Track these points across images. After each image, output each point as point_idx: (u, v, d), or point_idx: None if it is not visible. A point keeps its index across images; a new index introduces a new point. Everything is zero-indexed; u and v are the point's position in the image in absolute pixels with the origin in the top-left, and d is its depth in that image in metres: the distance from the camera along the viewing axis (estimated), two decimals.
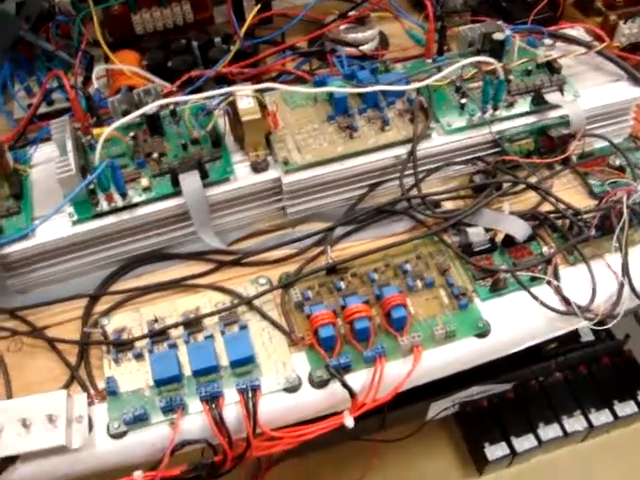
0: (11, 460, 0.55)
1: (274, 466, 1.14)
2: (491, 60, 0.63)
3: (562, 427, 1.03)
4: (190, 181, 0.61)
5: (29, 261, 0.63)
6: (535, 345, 0.99)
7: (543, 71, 0.68)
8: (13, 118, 0.75)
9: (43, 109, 0.76)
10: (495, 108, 0.65)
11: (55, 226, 0.62)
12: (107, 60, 0.76)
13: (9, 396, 0.59)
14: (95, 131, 0.65)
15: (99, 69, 0.70)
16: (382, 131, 0.65)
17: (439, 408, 1.06)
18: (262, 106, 0.62)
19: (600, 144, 0.69)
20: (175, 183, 0.62)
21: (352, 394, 0.57)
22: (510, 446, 1.02)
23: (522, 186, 0.67)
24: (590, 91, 0.68)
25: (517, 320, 0.60)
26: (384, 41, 0.81)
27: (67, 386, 0.59)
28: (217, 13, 0.83)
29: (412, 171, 0.64)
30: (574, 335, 1.11)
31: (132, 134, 0.65)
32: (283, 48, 0.75)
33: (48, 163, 0.67)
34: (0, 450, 0.54)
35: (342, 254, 0.64)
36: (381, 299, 0.59)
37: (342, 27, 0.78)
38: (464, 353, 0.60)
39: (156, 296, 0.64)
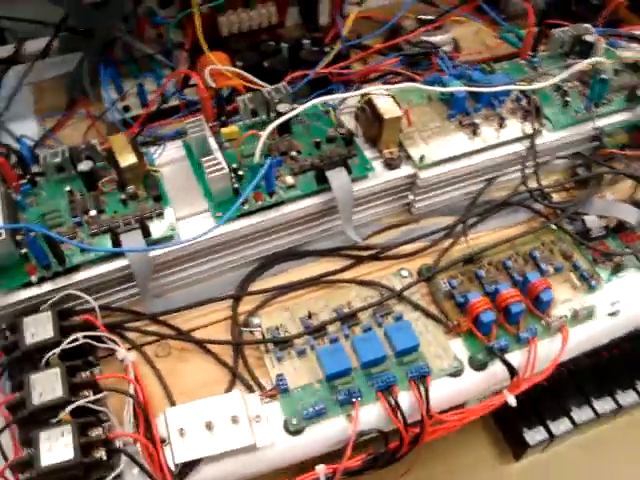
0: (195, 463, 0.54)
1: None
2: (608, 60, 0.68)
3: (593, 409, 1.10)
4: (338, 177, 0.62)
5: (171, 264, 0.62)
6: None
7: (627, 71, 0.74)
8: (117, 119, 0.73)
9: (138, 111, 0.74)
10: (597, 105, 0.71)
11: (200, 227, 0.61)
12: (194, 62, 0.75)
13: (172, 402, 0.58)
14: (224, 130, 0.65)
15: (210, 69, 0.69)
16: (500, 128, 0.69)
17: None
18: (397, 104, 0.65)
19: None
20: (321, 180, 0.63)
21: (513, 372, 0.60)
22: (548, 430, 1.08)
23: (616, 176, 0.73)
24: None
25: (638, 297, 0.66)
26: (456, 44, 0.84)
27: (230, 388, 0.59)
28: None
29: (530, 165, 0.68)
30: None
31: (261, 133, 0.65)
32: (378, 50, 0.77)
33: (175, 163, 0.66)
34: (192, 453, 0.53)
35: (472, 245, 0.67)
36: (527, 284, 0.62)
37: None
38: (599, 331, 0.64)
39: (299, 293, 0.65)
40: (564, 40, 0.74)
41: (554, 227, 0.68)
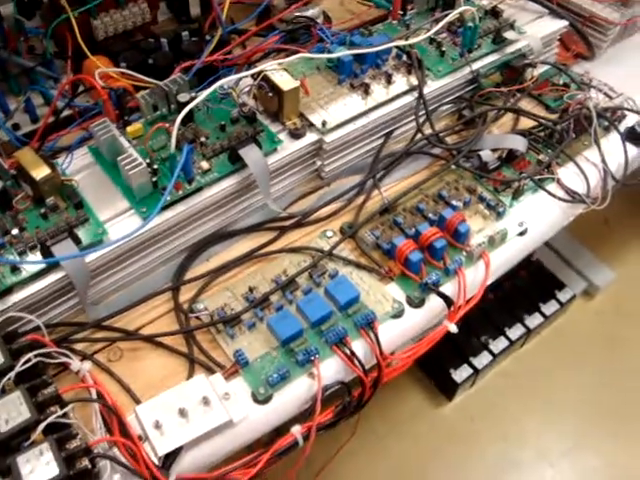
0: (176, 452, 0.55)
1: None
2: (472, 8, 0.74)
3: (507, 337, 1.19)
4: (252, 153, 0.64)
5: (104, 268, 0.62)
6: None
7: (488, 17, 0.81)
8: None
9: (29, 127, 0.72)
10: (470, 51, 0.77)
11: (127, 225, 0.61)
12: (76, 69, 0.74)
13: (137, 402, 0.58)
14: (129, 129, 0.65)
15: (99, 72, 0.69)
16: (389, 84, 0.73)
17: None
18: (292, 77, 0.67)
19: (540, 71, 0.84)
20: (234, 159, 0.65)
21: (449, 302, 0.65)
22: (471, 366, 1.16)
23: (498, 112, 0.79)
24: (527, 27, 0.82)
25: (539, 216, 0.72)
26: (326, 16, 0.88)
27: (190, 375, 0.60)
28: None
29: (421, 114, 0.73)
30: None
31: (167, 124, 0.66)
32: (256, 32, 0.79)
33: (85, 170, 0.65)
34: (174, 441, 0.54)
35: (382, 198, 0.71)
36: (444, 221, 0.67)
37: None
38: (513, 251, 0.70)
39: (234, 273, 0.66)
40: None
41: (454, 167, 0.74)
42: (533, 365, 1.22)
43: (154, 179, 0.62)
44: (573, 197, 0.73)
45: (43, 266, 0.58)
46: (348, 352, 0.60)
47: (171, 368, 0.60)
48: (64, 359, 0.57)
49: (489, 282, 0.68)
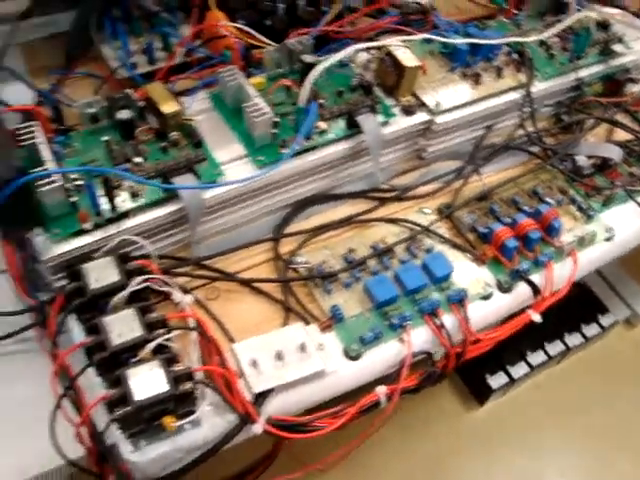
0: (267, 392, 0.56)
1: None
2: (592, 15, 0.76)
3: (545, 352, 1.20)
4: (369, 121, 0.66)
5: (215, 208, 0.63)
6: None
7: (597, 29, 0.83)
8: (135, 74, 0.73)
9: (145, 68, 0.74)
10: (578, 58, 0.79)
11: (242, 171, 0.63)
12: (200, 20, 0.76)
13: (231, 340, 0.59)
14: (251, 81, 0.67)
15: (223, 24, 0.71)
16: (499, 78, 0.75)
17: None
18: None
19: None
20: (351, 125, 0.66)
21: (537, 290, 0.66)
22: (508, 374, 1.17)
23: (594, 121, 0.81)
24: (634, 44, 0.84)
25: (628, 226, 0.74)
26: (433, 7, 0.90)
27: (285, 322, 0.61)
28: None
29: (526, 111, 0.75)
30: None
31: (288, 83, 0.68)
32: (368, 11, 0.81)
33: (203, 113, 0.67)
34: (269, 381, 0.55)
35: (478, 186, 0.73)
36: (539, 214, 0.69)
37: None
38: (599, 255, 0.72)
39: (333, 234, 0.68)
40: (542, 1, 0.82)
41: (549, 167, 0.76)
42: (567, 383, 1.23)
43: (274, 131, 0.64)
44: None
45: (161, 195, 0.60)
46: (438, 323, 0.62)
47: (266, 314, 0.62)
48: (168, 289, 0.59)
49: (576, 279, 0.70)
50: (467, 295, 0.64)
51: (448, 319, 0.63)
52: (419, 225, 0.68)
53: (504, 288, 0.66)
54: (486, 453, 1.16)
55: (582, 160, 0.75)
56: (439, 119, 0.71)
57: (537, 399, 1.21)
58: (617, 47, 0.81)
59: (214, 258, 0.64)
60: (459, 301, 0.63)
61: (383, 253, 0.66)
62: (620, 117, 0.83)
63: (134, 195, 0.59)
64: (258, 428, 0.54)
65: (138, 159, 0.61)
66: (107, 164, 0.61)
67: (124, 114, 0.62)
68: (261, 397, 0.56)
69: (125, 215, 0.59)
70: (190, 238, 0.63)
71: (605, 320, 1.26)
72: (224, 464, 0.75)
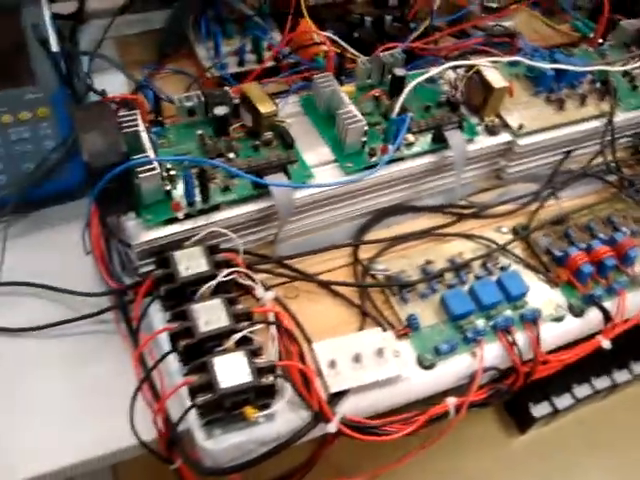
0: (343, 393, 0.57)
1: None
2: None
3: (591, 385, 1.19)
4: (456, 137, 0.67)
5: (304, 209, 0.65)
6: None
7: None
8: (227, 73, 0.75)
9: (234, 69, 0.76)
10: None
11: (330, 175, 0.65)
12: (292, 27, 0.78)
13: (308, 340, 0.60)
14: (343, 88, 0.69)
15: (315, 32, 0.73)
16: (582, 105, 0.76)
17: None
18: None
19: None
20: (438, 139, 0.68)
21: (608, 317, 0.67)
22: (552, 404, 1.17)
23: None
24: None
25: None
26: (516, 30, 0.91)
27: (361, 327, 0.62)
28: None
29: (607, 139, 0.76)
30: None
31: (377, 94, 0.69)
32: (458, 30, 0.83)
33: (293, 117, 0.69)
34: (346, 382, 0.56)
35: (554, 209, 0.74)
36: (615, 242, 0.69)
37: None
38: None
39: (410, 245, 0.69)
40: (630, 32, 0.82)
41: (625, 197, 0.76)
42: (610, 420, 1.23)
43: (364, 139, 0.65)
44: None
45: (251, 192, 0.62)
46: (511, 340, 0.62)
47: (343, 317, 0.63)
48: (251, 283, 0.60)
49: None
50: (541, 315, 0.64)
51: (520, 337, 0.63)
52: (496, 243, 0.69)
53: (576, 312, 0.66)
54: None
55: None
56: (521, 141, 0.72)
57: (580, 433, 1.20)
58: None
59: (295, 258, 0.65)
60: (532, 320, 0.64)
61: (460, 267, 0.66)
62: None
63: (225, 189, 0.61)
64: (332, 427, 0.55)
65: (231, 154, 0.62)
66: (200, 157, 0.63)
67: (221, 110, 0.63)
68: (336, 397, 0.57)
69: (216, 208, 0.61)
70: (276, 236, 0.64)
71: None
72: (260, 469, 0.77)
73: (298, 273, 0.64)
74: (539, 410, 1.16)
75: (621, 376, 1.21)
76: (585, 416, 1.22)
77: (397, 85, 0.69)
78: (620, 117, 0.78)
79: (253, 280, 0.60)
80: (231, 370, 0.52)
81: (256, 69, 0.75)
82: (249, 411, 0.52)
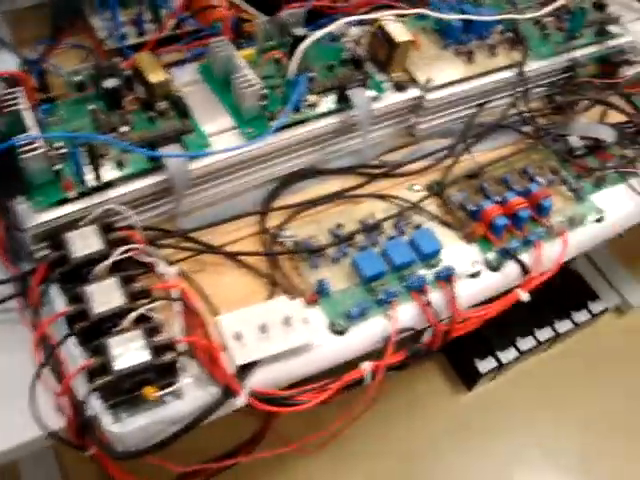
0: (251, 365, 0.56)
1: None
2: None
3: (535, 337, 1.20)
4: (360, 96, 0.66)
5: (202, 180, 0.63)
6: None
7: (593, 9, 0.82)
8: (123, 45, 0.72)
9: (135, 40, 0.73)
10: (573, 38, 0.78)
11: (230, 143, 0.62)
12: None
13: (215, 313, 0.58)
14: (242, 52, 0.66)
15: None
16: (492, 56, 0.74)
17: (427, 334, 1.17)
18: None
19: (636, 71, 0.84)
20: (342, 99, 0.66)
21: (526, 270, 0.66)
22: (496, 359, 1.17)
23: (588, 103, 0.80)
24: (630, 25, 0.83)
25: (617, 208, 0.73)
26: None
27: (270, 296, 0.61)
28: None
29: (519, 90, 0.75)
30: None
31: (277, 56, 0.67)
32: None
33: (192, 85, 0.67)
34: (253, 354, 0.55)
35: (469, 164, 0.73)
36: (529, 193, 0.68)
37: None
38: (589, 235, 0.72)
39: (321, 209, 0.67)
40: None
41: (541, 147, 0.75)
42: (556, 369, 1.24)
43: (263, 103, 0.63)
44: None
45: (146, 165, 0.59)
46: (425, 300, 0.61)
47: (251, 287, 0.61)
48: (152, 260, 0.58)
49: (565, 260, 0.70)
50: (455, 272, 0.63)
51: (436, 296, 0.62)
52: (408, 201, 0.68)
53: (493, 266, 0.66)
54: (473, 437, 1.16)
55: (574, 141, 0.75)
56: (430, 96, 0.70)
57: (526, 384, 1.21)
58: (613, 28, 0.80)
59: (201, 231, 0.63)
60: (447, 278, 0.63)
61: (371, 229, 0.65)
62: (615, 100, 0.83)
63: (119, 164, 0.59)
64: (241, 401, 0.54)
65: (124, 128, 0.60)
66: (93, 133, 0.60)
67: (110, 82, 0.61)
68: (245, 370, 0.55)
69: (110, 185, 0.59)
70: (176, 210, 0.62)
71: (595, 307, 1.26)
72: (211, 442, 0.76)
73: (203, 246, 0.63)
74: (484, 365, 1.17)
75: (562, 326, 1.22)
76: (530, 368, 1.23)
77: (298, 46, 0.67)
78: (532, 66, 0.76)
79: (154, 256, 0.58)
80: (127, 350, 0.51)
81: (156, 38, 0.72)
82: (148, 391, 0.50)
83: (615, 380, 1.24)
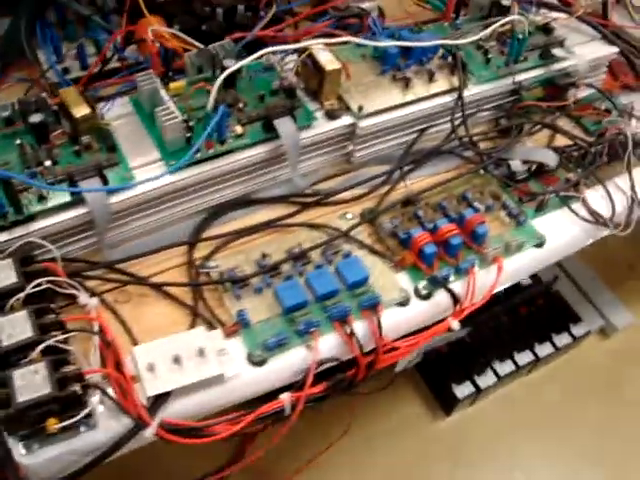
0: (165, 396, 0.56)
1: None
2: (524, 20, 0.75)
3: (514, 361, 1.18)
4: (286, 125, 0.66)
5: (126, 212, 0.64)
6: None
7: (539, 33, 0.82)
8: (64, 80, 0.73)
9: (78, 73, 0.75)
10: (516, 62, 0.78)
11: (153, 175, 0.63)
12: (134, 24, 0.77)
13: (135, 344, 0.59)
14: (171, 85, 0.67)
15: (152, 29, 0.71)
16: (430, 82, 0.74)
17: (406, 359, 1.16)
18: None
19: (584, 94, 0.84)
20: (269, 129, 0.66)
21: (456, 299, 0.65)
22: (474, 384, 1.15)
23: (536, 127, 0.80)
24: (576, 48, 0.83)
25: (560, 233, 0.72)
26: (381, 11, 0.90)
27: (192, 326, 0.61)
28: None
29: (458, 115, 0.74)
30: None
31: (208, 87, 0.68)
32: (309, 14, 0.81)
33: (123, 118, 0.68)
34: (163, 385, 0.55)
35: (407, 190, 0.72)
36: (464, 220, 0.68)
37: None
38: (528, 262, 0.71)
39: (250, 239, 0.68)
40: (483, 4, 0.81)
41: (482, 172, 0.74)
42: (537, 394, 1.21)
43: (188, 135, 0.64)
44: (596, 219, 0.73)
45: (68, 199, 0.60)
46: (348, 331, 0.61)
47: (174, 318, 0.62)
48: (73, 291, 0.59)
49: (500, 288, 0.69)
50: (381, 301, 0.63)
51: (360, 326, 0.62)
52: (338, 230, 0.68)
53: (422, 295, 0.65)
54: (451, 464, 1.14)
55: (516, 165, 0.74)
56: (362, 123, 0.70)
57: (506, 410, 1.19)
58: (558, 51, 0.79)
59: (128, 262, 0.64)
60: (371, 307, 0.62)
61: (297, 258, 0.65)
62: (565, 124, 0.82)
63: (41, 198, 0.60)
64: (150, 432, 0.54)
65: (48, 162, 0.61)
66: (19, 167, 0.62)
67: (36, 117, 0.62)
68: (158, 401, 0.55)
69: (32, 218, 0.60)
70: (100, 242, 0.63)
71: (577, 330, 1.24)
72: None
73: (129, 276, 0.63)
74: (462, 390, 1.15)
75: (543, 350, 1.20)
76: (510, 393, 1.21)
77: (228, 77, 0.68)
78: (473, 91, 0.76)
79: (75, 288, 0.59)
80: (31, 382, 0.51)
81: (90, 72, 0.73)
82: (50, 422, 0.51)
83: (599, 404, 1.21)
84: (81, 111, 0.62)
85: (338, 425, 1.13)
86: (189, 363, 0.57)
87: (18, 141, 0.62)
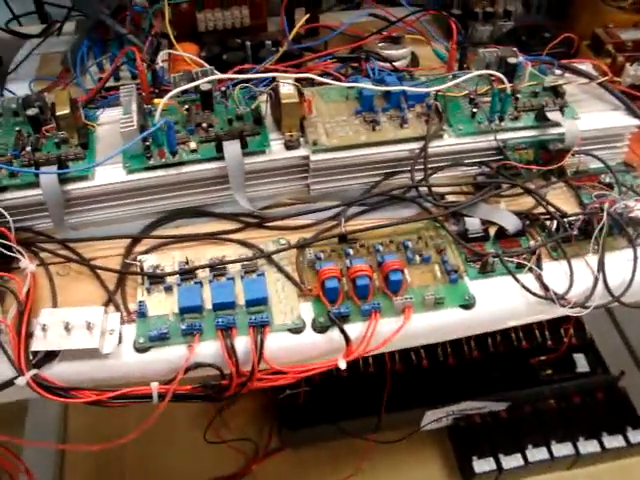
0: (52, 356, 0.64)
1: (270, 455, 1.22)
2: (500, 75, 0.73)
3: (549, 451, 1.08)
4: (232, 148, 0.71)
5: (85, 201, 0.73)
6: (532, 369, 1.06)
7: (548, 94, 0.78)
8: (86, 88, 0.86)
9: (111, 83, 0.87)
10: (501, 119, 0.75)
11: (112, 173, 0.72)
12: (171, 49, 0.87)
13: (54, 307, 0.68)
14: (156, 100, 0.76)
15: (164, 53, 0.82)
16: (401, 127, 0.75)
17: (433, 417, 1.12)
18: (300, 93, 0.73)
19: (596, 164, 0.78)
20: (219, 149, 0.72)
21: (347, 340, 0.65)
22: (497, 462, 1.08)
23: (520, 191, 0.76)
24: (589, 115, 0.78)
25: (500, 299, 0.68)
26: (415, 61, 0.91)
27: (104, 306, 0.68)
28: (271, 23, 0.96)
29: (423, 164, 0.74)
30: (570, 365, 1.17)
31: (187, 106, 0.76)
32: (324, 54, 0.86)
33: (113, 124, 0.77)
34: (46, 345, 0.63)
35: (354, 229, 0.73)
36: (382, 264, 0.68)
37: (380, 44, 0.89)
38: (449, 322, 0.68)
39: (190, 245, 0.74)
40: (490, 60, 0.79)
41: (437, 224, 0.73)
42: None
43: (146, 143, 0.72)
44: (545, 294, 0.68)
45: (34, 179, 0.72)
46: (229, 343, 0.64)
47: (95, 297, 0.70)
48: (17, 255, 0.70)
49: (409, 345, 0.67)
50: (270, 322, 0.65)
51: (243, 341, 0.65)
52: (261, 250, 0.71)
53: (318, 327, 0.66)
54: None
55: (472, 223, 0.72)
56: (314, 157, 0.73)
57: None
58: (553, 115, 0.75)
59: (80, 243, 0.74)
60: (258, 326, 0.65)
61: (214, 268, 0.70)
62: (562, 192, 0.77)
63: (12, 175, 0.72)
64: (22, 380, 0.62)
65: (28, 148, 0.73)
66: (12, 149, 0.74)
67: (31, 111, 0.74)
68: (44, 360, 0.64)
69: (3, 190, 0.72)
70: (54, 222, 0.73)
71: (634, 436, 1.09)
72: None
73: (75, 254, 0.73)
74: (481, 465, 1.08)
75: (587, 446, 1.08)
76: None
77: (205, 99, 0.75)
78: (448, 141, 0.75)
79: (21, 253, 0.70)
80: None
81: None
82: None
83: None
84: (62, 110, 0.73)
85: (350, 466, 1.13)
86: (76, 332, 0.64)
87: (17, 128, 0.76)
